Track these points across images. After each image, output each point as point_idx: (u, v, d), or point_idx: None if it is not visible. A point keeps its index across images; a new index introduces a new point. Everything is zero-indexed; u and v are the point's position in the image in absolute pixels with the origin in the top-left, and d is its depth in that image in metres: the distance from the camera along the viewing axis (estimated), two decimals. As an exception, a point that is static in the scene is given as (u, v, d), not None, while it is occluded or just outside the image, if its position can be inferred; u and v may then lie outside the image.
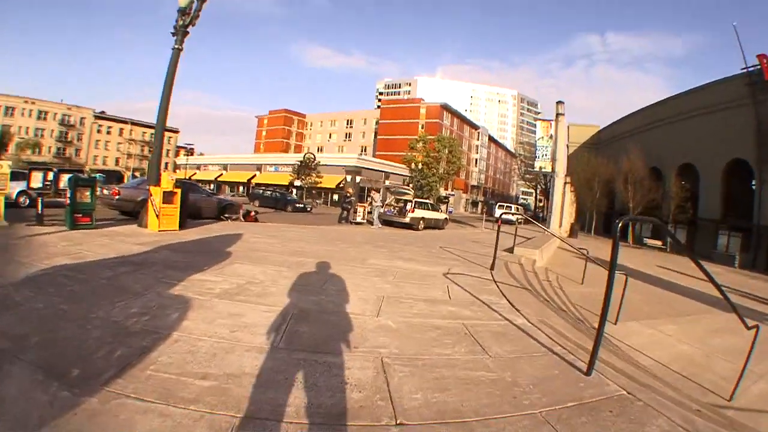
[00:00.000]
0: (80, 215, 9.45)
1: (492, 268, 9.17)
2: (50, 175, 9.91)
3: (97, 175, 35.00)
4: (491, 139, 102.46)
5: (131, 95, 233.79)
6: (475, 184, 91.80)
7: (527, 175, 67.86)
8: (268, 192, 39.29)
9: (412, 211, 21.19)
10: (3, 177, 8.91)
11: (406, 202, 22.45)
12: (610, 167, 38.97)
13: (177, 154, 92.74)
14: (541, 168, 26.60)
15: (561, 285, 8.97)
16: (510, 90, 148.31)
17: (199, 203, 15.71)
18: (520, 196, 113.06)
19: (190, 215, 14.77)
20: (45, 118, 78.73)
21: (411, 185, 42.70)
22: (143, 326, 3.96)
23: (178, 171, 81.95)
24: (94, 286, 5.07)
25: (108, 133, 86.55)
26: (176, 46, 11.02)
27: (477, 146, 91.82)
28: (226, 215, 16.79)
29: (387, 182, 60.93)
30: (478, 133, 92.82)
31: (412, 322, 4.89)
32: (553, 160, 24.39)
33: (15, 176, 11.97)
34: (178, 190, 10.97)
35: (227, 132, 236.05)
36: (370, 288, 6.35)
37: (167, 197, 10.73)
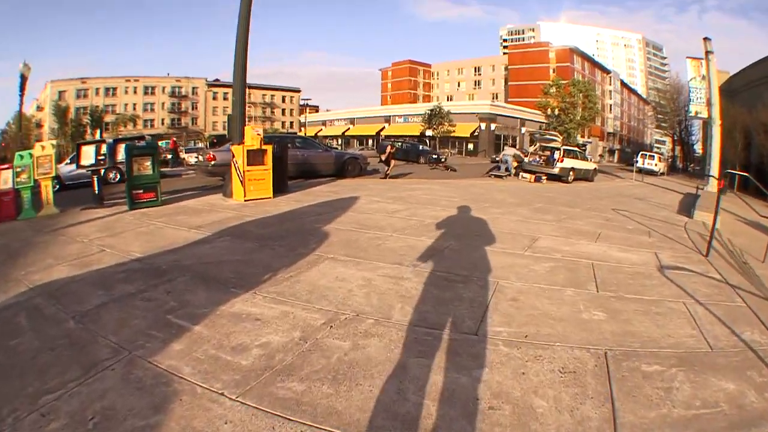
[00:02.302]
0: (141, 191, 7.49)
1: (707, 254, 5.55)
2: (103, 148, 7.95)
3: (163, 142, 33.77)
4: (623, 83, 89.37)
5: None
6: (611, 131, 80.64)
7: (663, 123, 58.06)
8: (398, 143, 36.61)
9: (561, 160, 16.98)
10: (46, 159, 7.24)
11: (553, 149, 18.23)
12: (749, 116, 31.31)
13: (301, 112, 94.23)
14: (696, 113, 20.62)
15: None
16: (634, 34, 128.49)
17: (312, 160, 13.57)
18: (654, 144, 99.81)
19: (303, 174, 12.81)
20: (153, 93, 77.23)
21: (550, 130, 37.40)
22: None
23: (303, 129, 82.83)
24: (47, 339, 2.70)
25: (225, 99, 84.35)
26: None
27: (610, 91, 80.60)
28: (351, 170, 14.32)
29: (523, 129, 55.49)
30: (610, 77, 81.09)
31: None
32: (709, 104, 18.74)
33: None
34: (269, 148, 8.52)
35: (352, 89, 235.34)
36: (571, 324, 3.09)
37: (254, 157, 8.34)
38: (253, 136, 8.37)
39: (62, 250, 4.64)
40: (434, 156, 28.07)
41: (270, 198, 8.38)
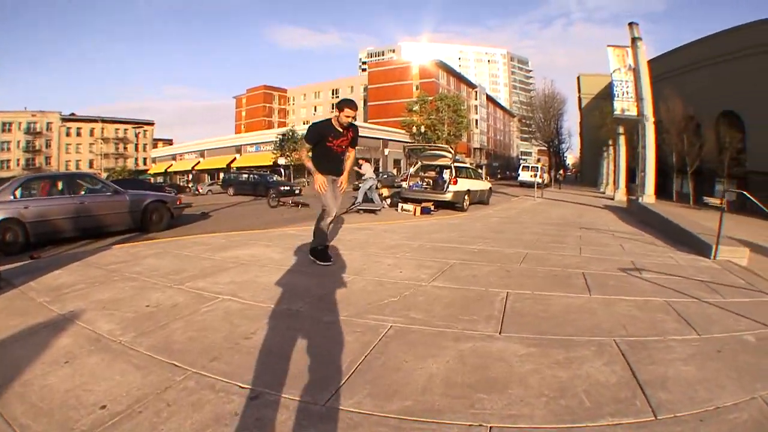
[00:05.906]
0: None
1: None
2: None
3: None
4: (489, 98, 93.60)
5: (101, 99, 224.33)
6: (478, 146, 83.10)
7: (537, 134, 58.41)
8: (244, 175, 30.79)
9: (455, 182, 13.18)
10: None
11: (441, 168, 14.50)
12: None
13: (155, 146, 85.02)
14: (623, 111, 18.02)
15: None
16: (499, 49, 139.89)
17: (94, 210, 8.65)
18: (521, 156, 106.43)
19: (84, 233, 8.49)
20: (9, 130, 70.58)
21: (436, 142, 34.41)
22: None
23: (154, 164, 74.30)
24: None
25: (78, 134, 77.54)
26: None
27: (476, 106, 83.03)
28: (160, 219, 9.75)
29: (387, 150, 53.20)
30: (476, 92, 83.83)
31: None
32: (639, 99, 16.67)
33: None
34: None
35: (209, 121, 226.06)
36: None
37: None
38: None
39: None
40: (285, 188, 22.74)
41: None
